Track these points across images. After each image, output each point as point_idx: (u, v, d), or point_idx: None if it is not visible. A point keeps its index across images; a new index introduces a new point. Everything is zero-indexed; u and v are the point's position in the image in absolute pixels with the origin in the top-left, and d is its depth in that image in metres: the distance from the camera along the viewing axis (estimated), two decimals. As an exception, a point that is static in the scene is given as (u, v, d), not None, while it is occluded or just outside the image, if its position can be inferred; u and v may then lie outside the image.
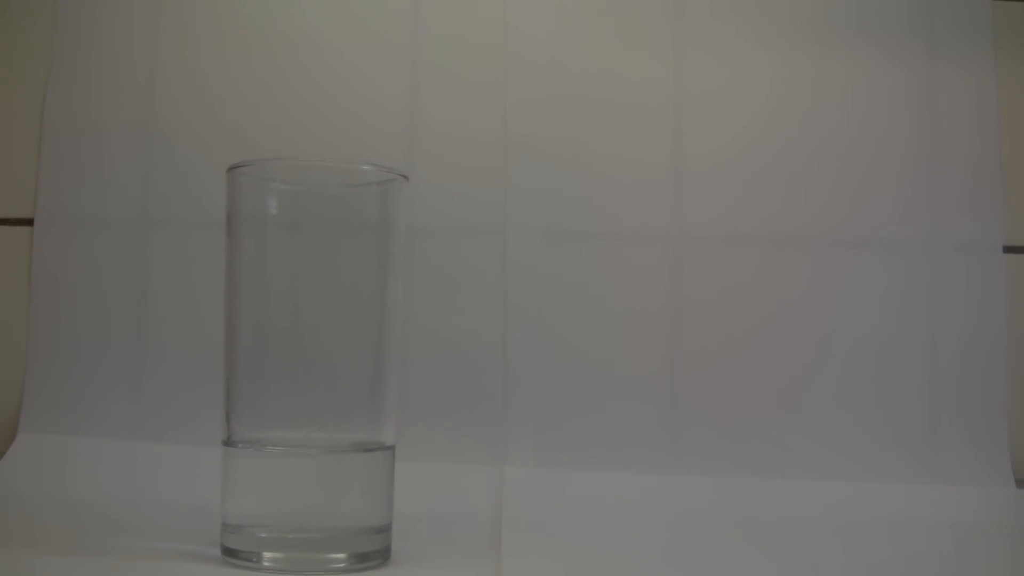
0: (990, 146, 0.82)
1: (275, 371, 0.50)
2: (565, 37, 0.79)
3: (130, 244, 0.80)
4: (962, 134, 0.81)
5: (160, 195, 0.80)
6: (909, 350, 0.80)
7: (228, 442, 0.51)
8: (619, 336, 0.80)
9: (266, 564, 0.49)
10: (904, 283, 0.80)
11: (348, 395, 0.51)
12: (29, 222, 0.80)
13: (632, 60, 0.80)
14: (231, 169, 0.51)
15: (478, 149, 0.81)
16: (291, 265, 0.51)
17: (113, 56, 0.82)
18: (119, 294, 0.80)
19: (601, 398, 0.79)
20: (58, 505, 0.62)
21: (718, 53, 0.80)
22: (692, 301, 0.80)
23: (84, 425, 0.77)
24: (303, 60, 0.82)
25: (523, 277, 0.80)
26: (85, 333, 0.79)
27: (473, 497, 0.69)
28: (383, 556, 0.51)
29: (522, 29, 0.81)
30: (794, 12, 0.81)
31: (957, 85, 0.81)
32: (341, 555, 0.49)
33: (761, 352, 0.79)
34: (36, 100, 0.81)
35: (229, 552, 0.50)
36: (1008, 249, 0.82)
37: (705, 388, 0.79)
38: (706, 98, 0.80)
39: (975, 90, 0.82)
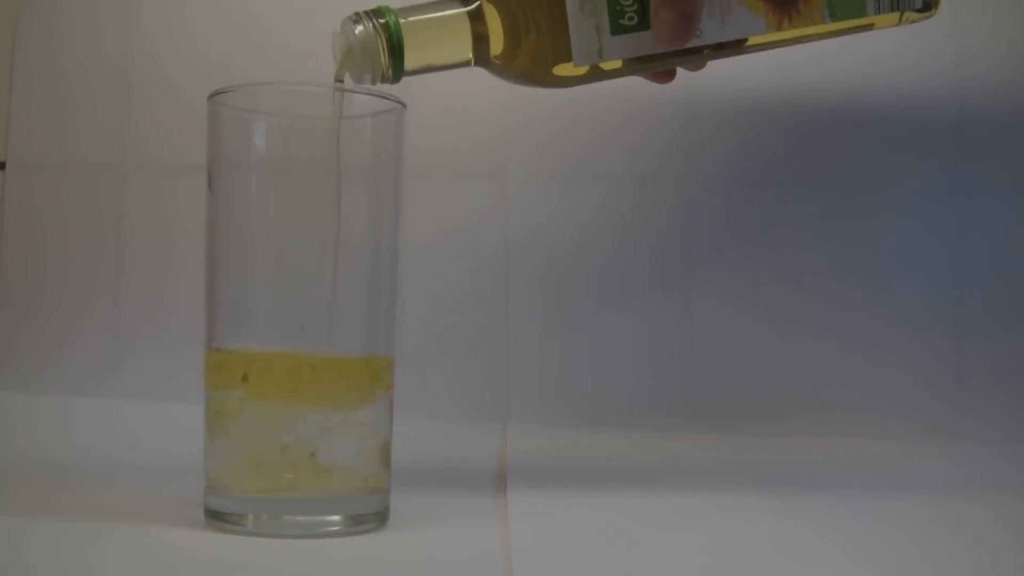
0: (1019, 88, 0.79)
1: (259, 315, 0.48)
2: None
3: (107, 189, 0.79)
4: (991, 76, 0.78)
5: (138, 137, 0.79)
6: (935, 302, 0.78)
7: (211, 395, 0.48)
8: (627, 284, 0.78)
9: (253, 528, 0.46)
10: (931, 229, 0.78)
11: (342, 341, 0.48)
12: (1, 166, 0.79)
13: None
14: (212, 96, 0.47)
15: (480, 87, 0.79)
16: (278, 202, 0.48)
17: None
18: (96, 242, 0.79)
19: (607, 352, 0.77)
20: (31, 467, 0.60)
21: None
22: (702, 247, 0.78)
23: (59, 382, 0.77)
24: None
25: (526, 221, 0.78)
26: (60, 284, 0.78)
27: (475, 455, 0.68)
28: (381, 518, 0.48)
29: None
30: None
31: (985, 30, 0.79)
32: (335, 517, 0.46)
33: (778, 300, 0.77)
34: (6, 39, 0.80)
35: (213, 515, 0.47)
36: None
37: (717, 340, 0.77)
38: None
39: (1005, 33, 0.79)
